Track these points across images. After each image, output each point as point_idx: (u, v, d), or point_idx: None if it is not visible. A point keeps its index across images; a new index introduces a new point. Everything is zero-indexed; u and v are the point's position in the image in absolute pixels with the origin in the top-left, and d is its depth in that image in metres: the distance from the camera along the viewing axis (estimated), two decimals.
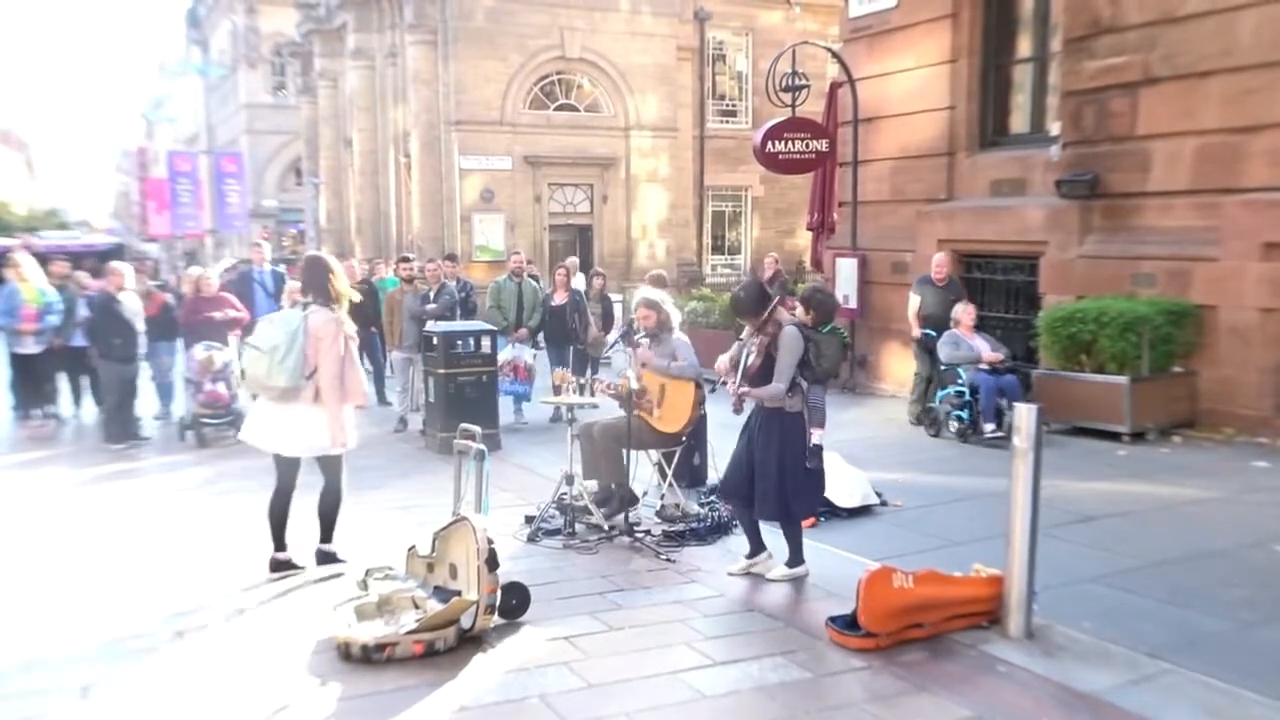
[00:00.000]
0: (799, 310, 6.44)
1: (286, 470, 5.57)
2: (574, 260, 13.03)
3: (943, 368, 9.35)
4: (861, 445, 8.52)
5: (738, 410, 5.40)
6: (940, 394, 9.42)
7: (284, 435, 5.43)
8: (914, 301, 10.01)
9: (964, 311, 9.40)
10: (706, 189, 25.73)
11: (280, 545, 5.61)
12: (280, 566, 5.57)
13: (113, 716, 3.97)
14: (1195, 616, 4.82)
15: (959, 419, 9.08)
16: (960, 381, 9.08)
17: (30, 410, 11.05)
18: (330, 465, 5.64)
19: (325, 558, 5.68)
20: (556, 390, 7.00)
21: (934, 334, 9.59)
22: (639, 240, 24.54)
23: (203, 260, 28.15)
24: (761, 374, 5.28)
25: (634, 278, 22.06)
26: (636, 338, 6.70)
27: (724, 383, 5.42)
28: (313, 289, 5.51)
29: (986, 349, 9.19)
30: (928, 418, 9.53)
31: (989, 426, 8.82)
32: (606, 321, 11.32)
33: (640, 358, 6.56)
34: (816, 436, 5.34)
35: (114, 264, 10.68)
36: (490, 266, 20.92)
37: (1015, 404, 8.44)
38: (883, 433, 9.80)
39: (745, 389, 5.29)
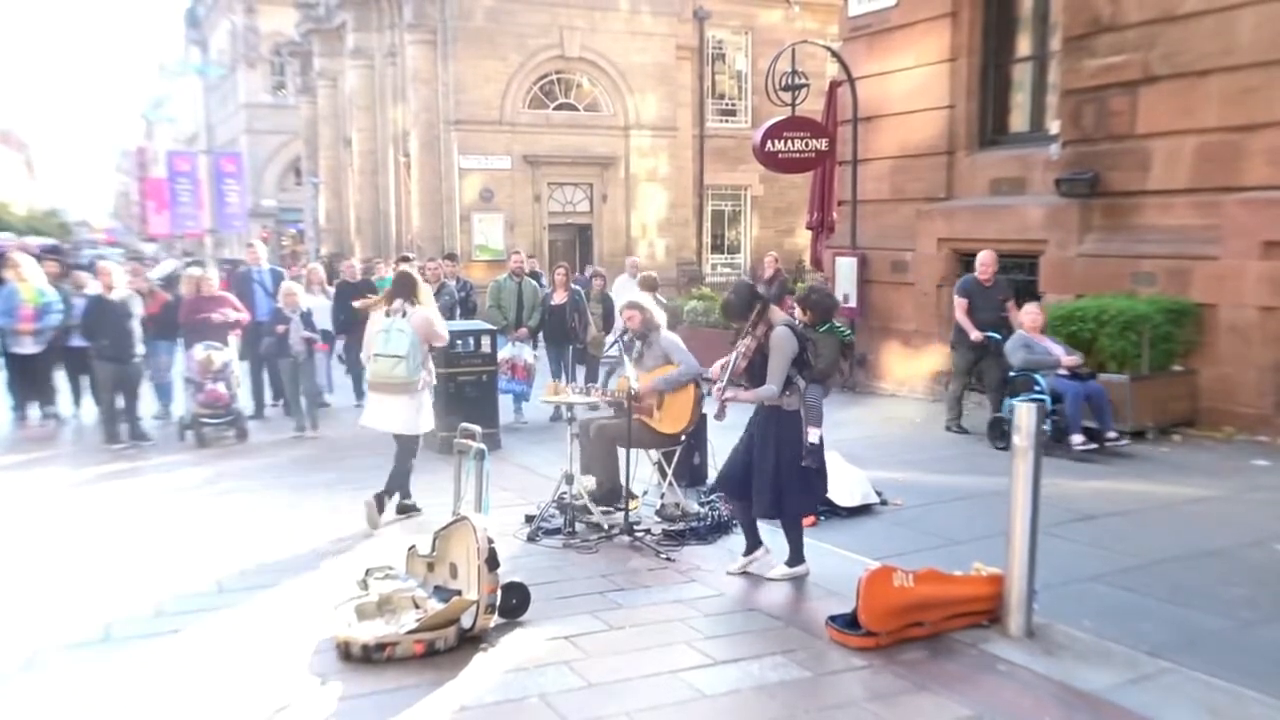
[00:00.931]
0: (797, 311, 6.44)
1: (411, 444, 6.78)
2: (638, 260, 12.83)
3: (1012, 374, 8.54)
4: (862, 444, 8.51)
5: (719, 417, 5.35)
6: (1008, 402, 8.39)
7: (401, 417, 6.61)
8: (962, 303, 9.29)
9: (1031, 312, 8.69)
10: (706, 188, 25.71)
11: (407, 494, 6.87)
12: (408, 509, 6.86)
13: (112, 715, 3.97)
14: (1195, 615, 4.82)
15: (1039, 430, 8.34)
16: (1038, 389, 8.20)
17: (29, 410, 11.05)
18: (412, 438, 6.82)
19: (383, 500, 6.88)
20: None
21: (998, 336, 8.92)
22: (639, 239, 24.52)
23: (205, 261, 28.07)
24: (749, 375, 5.26)
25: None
26: (625, 338, 6.71)
27: (709, 390, 5.39)
28: (404, 295, 6.65)
29: (1061, 352, 8.44)
30: (995, 429, 8.59)
31: (1077, 439, 8.03)
32: (607, 321, 11.31)
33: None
34: (813, 436, 5.33)
35: (103, 264, 10.66)
36: (489, 266, 20.92)
37: (1105, 414, 8.14)
38: (883, 432, 9.80)
39: (731, 393, 5.24)
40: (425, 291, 6.82)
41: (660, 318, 6.81)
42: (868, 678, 4.17)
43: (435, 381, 6.92)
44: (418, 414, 6.64)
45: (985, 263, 9.36)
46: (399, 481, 6.78)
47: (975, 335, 9.13)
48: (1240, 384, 8.74)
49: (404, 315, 6.53)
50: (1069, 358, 8.42)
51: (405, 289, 6.66)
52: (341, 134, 29.81)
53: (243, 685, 4.18)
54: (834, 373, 7.06)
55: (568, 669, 4.25)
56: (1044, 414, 7.98)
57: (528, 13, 22.68)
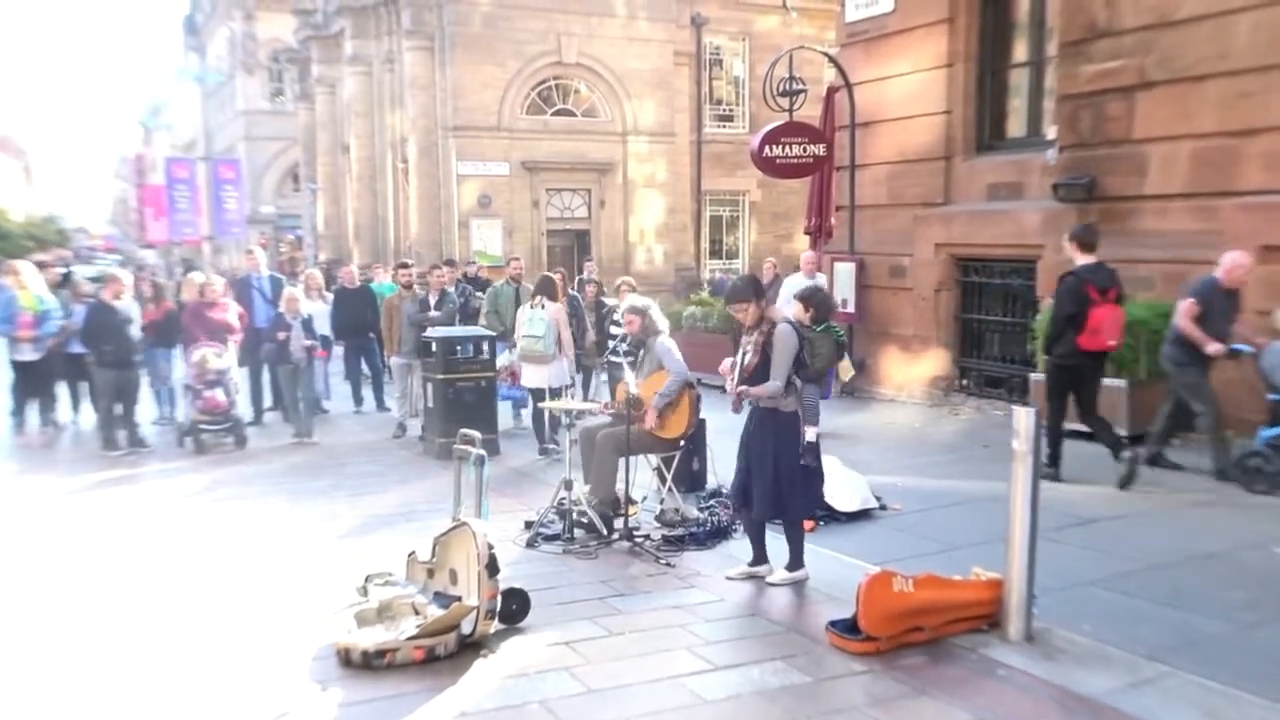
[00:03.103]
0: (798, 308, 6.48)
1: (541, 397, 8.60)
2: (810, 254, 11.03)
3: (1273, 396, 7.20)
4: (861, 449, 8.52)
5: (736, 410, 5.44)
6: (1268, 434, 7.11)
7: (547, 378, 8.71)
8: (1195, 309, 7.41)
9: None
10: (704, 193, 25.73)
11: (543, 439, 8.98)
12: (548, 452, 8.80)
13: None
14: (1195, 619, 4.82)
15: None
16: None
17: (28, 417, 11.04)
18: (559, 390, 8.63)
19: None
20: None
21: (1249, 349, 7.43)
22: (637, 245, 24.55)
23: (202, 267, 28.03)
24: (759, 372, 5.31)
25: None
26: (623, 344, 6.74)
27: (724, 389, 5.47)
28: (545, 294, 9.00)
29: None
30: (1241, 466, 7.19)
31: None
32: (598, 329, 11.27)
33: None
34: (810, 434, 5.35)
35: (112, 271, 10.68)
36: (487, 272, 20.90)
37: None
38: (882, 436, 9.80)
39: (744, 388, 5.33)
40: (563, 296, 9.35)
41: (663, 325, 6.81)
42: (868, 683, 4.17)
43: (572, 351, 9.32)
44: (557, 374, 8.79)
45: (1240, 264, 7.44)
46: (551, 426, 9.04)
47: (1213, 348, 7.29)
48: (1239, 388, 8.73)
49: (543, 307, 8.80)
50: None
51: (547, 289, 9.05)
52: (340, 140, 29.83)
53: (243, 692, 4.18)
54: (829, 371, 7.09)
55: (568, 675, 4.25)
56: None
57: (525, 19, 22.73)
